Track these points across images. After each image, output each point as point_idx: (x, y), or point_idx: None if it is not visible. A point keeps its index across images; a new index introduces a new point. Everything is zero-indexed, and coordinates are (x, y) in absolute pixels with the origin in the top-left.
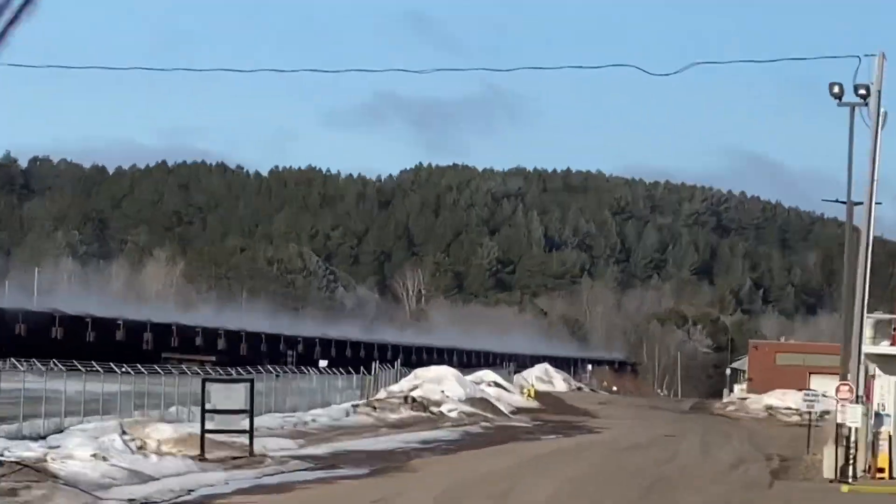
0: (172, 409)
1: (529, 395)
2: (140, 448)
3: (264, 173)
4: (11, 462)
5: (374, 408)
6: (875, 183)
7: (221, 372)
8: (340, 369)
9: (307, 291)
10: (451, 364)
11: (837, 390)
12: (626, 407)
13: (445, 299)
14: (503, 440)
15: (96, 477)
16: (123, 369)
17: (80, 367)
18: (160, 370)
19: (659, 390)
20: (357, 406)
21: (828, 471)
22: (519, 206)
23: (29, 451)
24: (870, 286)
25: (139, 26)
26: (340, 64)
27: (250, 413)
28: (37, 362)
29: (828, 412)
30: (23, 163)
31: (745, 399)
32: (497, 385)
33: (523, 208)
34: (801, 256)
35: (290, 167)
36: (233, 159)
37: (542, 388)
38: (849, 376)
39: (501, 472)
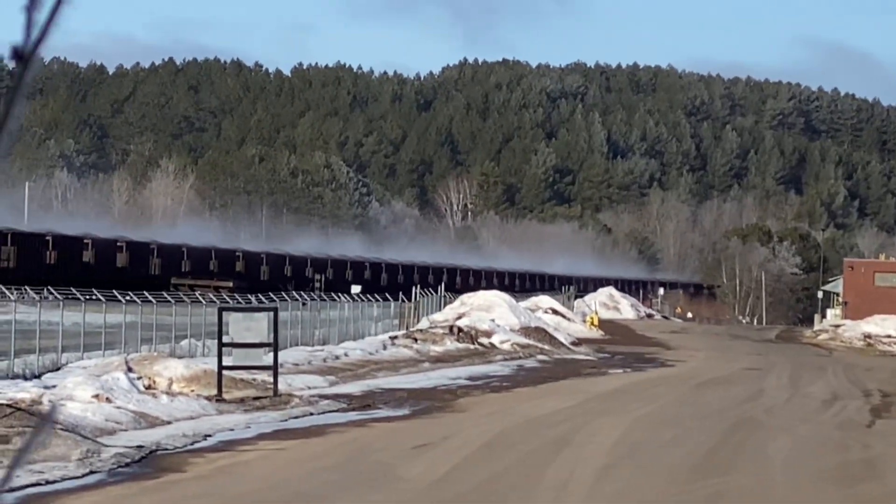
0: (184, 342)
1: (592, 324)
2: (148, 388)
3: (286, 72)
4: (2, 405)
5: (415, 339)
6: None
7: (240, 300)
8: (376, 296)
9: (336, 207)
10: (502, 289)
11: None
12: (703, 336)
13: (495, 214)
14: (563, 375)
15: (99, 421)
16: (128, 297)
17: (78, 295)
18: (170, 298)
19: (740, 317)
20: (395, 338)
21: None
22: (578, 108)
23: (22, 391)
24: None
25: None
26: None
27: (274, 346)
28: (29, 290)
29: None
30: (8, 62)
31: (839, 326)
32: (555, 312)
33: (583, 110)
34: None
35: (316, 65)
36: (249, 57)
37: (607, 315)
38: None
39: (562, 412)
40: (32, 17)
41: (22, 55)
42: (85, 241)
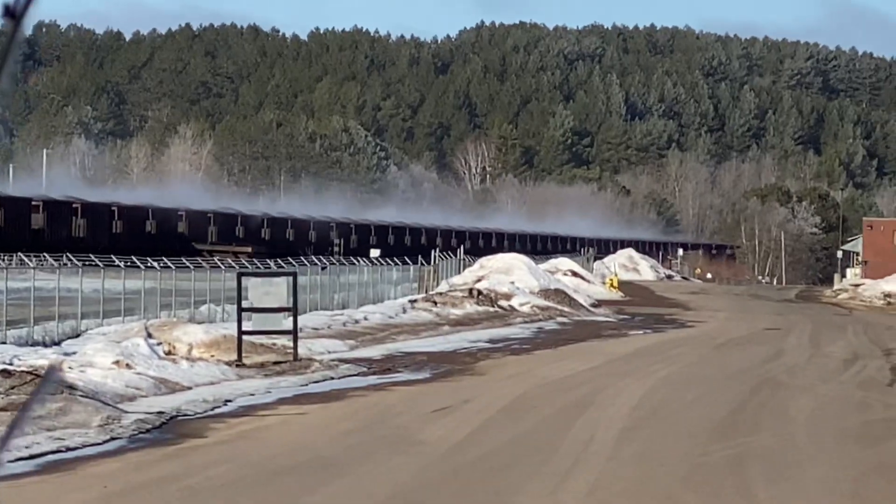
0: (204, 308)
1: (612, 286)
2: (168, 353)
3: (303, 36)
4: (22, 372)
5: (435, 303)
6: None
7: (259, 265)
8: (395, 259)
9: (354, 171)
10: (521, 251)
11: None
12: (723, 296)
13: (513, 177)
14: (583, 337)
15: (119, 387)
16: (147, 264)
17: (97, 262)
18: (189, 264)
19: (760, 277)
20: (415, 301)
21: None
22: (596, 69)
23: (42, 358)
24: None
25: None
26: None
27: (293, 311)
28: (48, 257)
29: None
30: (26, 29)
31: (858, 286)
32: (575, 274)
33: (601, 71)
34: None
35: (332, 29)
36: (265, 22)
37: (627, 276)
38: None
39: (582, 373)
40: None
41: (14, 13)
42: (112, 208)
